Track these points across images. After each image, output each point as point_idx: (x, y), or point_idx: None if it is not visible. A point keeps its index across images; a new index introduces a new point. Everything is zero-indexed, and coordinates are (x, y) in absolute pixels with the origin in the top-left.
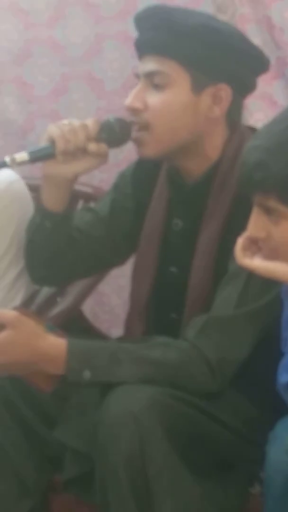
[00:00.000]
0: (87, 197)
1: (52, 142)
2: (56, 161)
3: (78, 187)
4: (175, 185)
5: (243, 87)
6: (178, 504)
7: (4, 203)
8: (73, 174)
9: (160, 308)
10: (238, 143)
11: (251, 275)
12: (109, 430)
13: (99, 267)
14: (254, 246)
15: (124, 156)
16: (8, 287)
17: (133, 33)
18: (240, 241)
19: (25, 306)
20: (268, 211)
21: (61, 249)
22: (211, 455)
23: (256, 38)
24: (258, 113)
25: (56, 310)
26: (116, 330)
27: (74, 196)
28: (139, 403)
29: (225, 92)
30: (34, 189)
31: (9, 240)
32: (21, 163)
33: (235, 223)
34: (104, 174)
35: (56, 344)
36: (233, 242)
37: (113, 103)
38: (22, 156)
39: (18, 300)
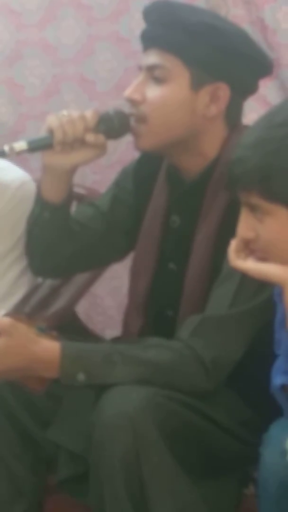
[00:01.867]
0: (80, 198)
1: (51, 132)
2: (55, 151)
3: None
4: (174, 182)
5: (243, 88)
6: (173, 504)
7: (15, 201)
8: (72, 165)
9: (157, 305)
10: (236, 142)
11: (245, 276)
12: (104, 431)
13: (98, 261)
14: (247, 248)
15: (117, 158)
16: (11, 282)
17: (126, 34)
18: (233, 243)
19: (19, 307)
20: (253, 209)
21: (59, 240)
22: (206, 455)
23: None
24: (251, 114)
25: (50, 311)
26: (110, 332)
27: None
28: (134, 403)
29: (224, 91)
30: None
31: (16, 238)
32: (20, 152)
33: (232, 222)
34: (97, 176)
35: (49, 348)
36: (229, 241)
37: (105, 104)
38: (21, 145)
39: (19, 295)
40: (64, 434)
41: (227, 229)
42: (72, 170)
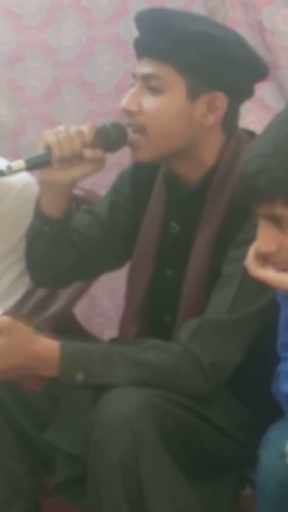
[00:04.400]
0: (78, 200)
1: (48, 149)
2: (53, 168)
3: None
4: (172, 188)
5: (240, 94)
6: (171, 505)
7: (19, 202)
8: (70, 180)
9: (153, 311)
10: (234, 148)
11: (244, 280)
12: (103, 432)
13: (98, 269)
14: (264, 259)
15: (115, 160)
16: (10, 283)
17: (125, 36)
18: (251, 252)
19: (17, 308)
20: (276, 221)
21: (59, 252)
22: (203, 457)
23: (247, 41)
24: (249, 115)
25: (48, 312)
26: (108, 333)
27: None
28: (132, 405)
29: (221, 100)
30: None
31: (17, 239)
32: (18, 171)
33: (231, 228)
34: (95, 177)
35: (49, 346)
36: (227, 247)
37: (105, 106)
38: (19, 164)
39: (18, 296)
40: (62, 436)
41: (225, 235)
42: (71, 184)
